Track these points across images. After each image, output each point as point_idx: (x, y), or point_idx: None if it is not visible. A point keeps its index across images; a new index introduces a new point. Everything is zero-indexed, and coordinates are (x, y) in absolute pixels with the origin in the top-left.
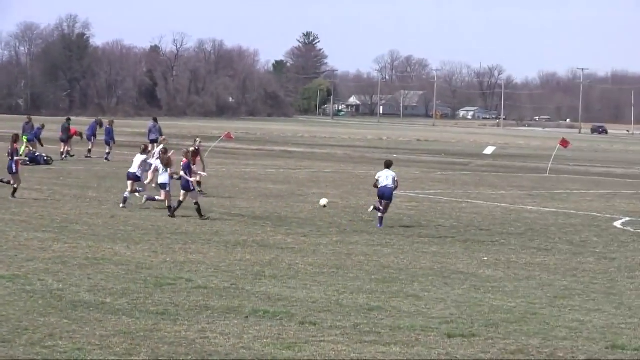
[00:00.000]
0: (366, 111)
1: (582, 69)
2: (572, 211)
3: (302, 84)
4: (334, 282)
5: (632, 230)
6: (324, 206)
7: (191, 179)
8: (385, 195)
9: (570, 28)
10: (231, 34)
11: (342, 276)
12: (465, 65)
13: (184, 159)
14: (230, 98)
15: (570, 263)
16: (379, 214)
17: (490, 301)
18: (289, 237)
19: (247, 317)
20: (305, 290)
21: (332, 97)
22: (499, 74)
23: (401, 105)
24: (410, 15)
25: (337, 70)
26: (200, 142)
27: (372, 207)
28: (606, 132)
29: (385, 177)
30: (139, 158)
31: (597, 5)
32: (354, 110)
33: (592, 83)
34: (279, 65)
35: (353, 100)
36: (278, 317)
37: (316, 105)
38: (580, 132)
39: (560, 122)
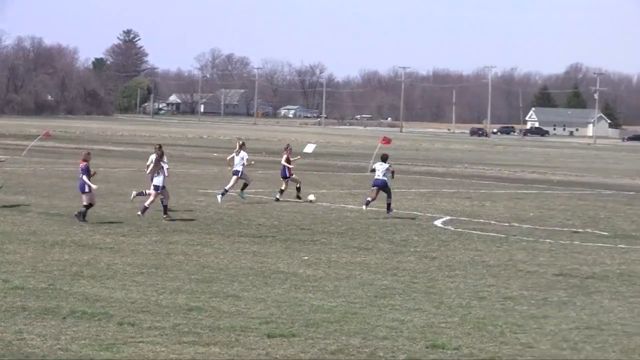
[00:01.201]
0: (187, 110)
1: (404, 68)
2: (394, 210)
3: (122, 82)
4: (153, 282)
5: (452, 229)
6: (311, 201)
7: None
8: (379, 185)
9: (393, 26)
10: (50, 31)
11: (161, 276)
12: (287, 64)
13: (83, 162)
14: (49, 96)
15: (391, 262)
16: (369, 199)
17: (311, 301)
18: (107, 237)
19: (64, 318)
20: (124, 291)
21: (152, 95)
22: (321, 72)
23: (222, 103)
24: (232, 12)
25: (157, 68)
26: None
27: (366, 205)
28: (486, 135)
29: (380, 170)
30: None
31: (416, 3)
32: (174, 108)
33: (414, 81)
34: (98, 63)
35: (174, 98)
36: (96, 318)
37: (136, 104)
38: (401, 131)
39: (382, 120)
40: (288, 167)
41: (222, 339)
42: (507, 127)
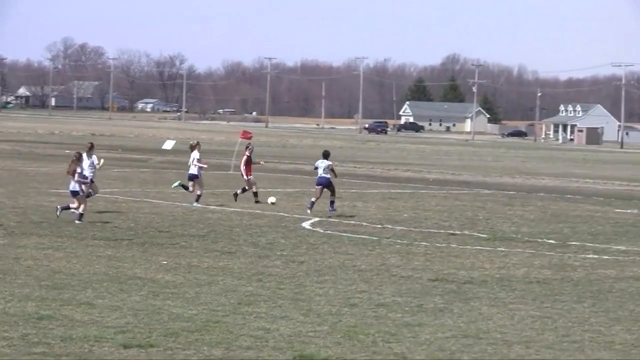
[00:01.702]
0: (37, 103)
1: (270, 58)
2: (258, 211)
3: None
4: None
5: (321, 231)
6: (273, 203)
7: None
8: (323, 183)
9: (258, 14)
10: None
11: (9, 282)
12: (145, 54)
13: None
14: None
15: (256, 267)
16: (313, 199)
17: (170, 308)
18: None
19: None
20: None
21: None
22: (181, 63)
23: (75, 96)
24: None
25: (5, 59)
26: None
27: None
28: (385, 132)
29: (322, 167)
30: None
31: None
32: (23, 101)
33: (281, 73)
34: None
35: (23, 91)
36: None
37: None
38: (267, 127)
39: (246, 115)
40: (248, 168)
41: (74, 349)
42: (380, 122)
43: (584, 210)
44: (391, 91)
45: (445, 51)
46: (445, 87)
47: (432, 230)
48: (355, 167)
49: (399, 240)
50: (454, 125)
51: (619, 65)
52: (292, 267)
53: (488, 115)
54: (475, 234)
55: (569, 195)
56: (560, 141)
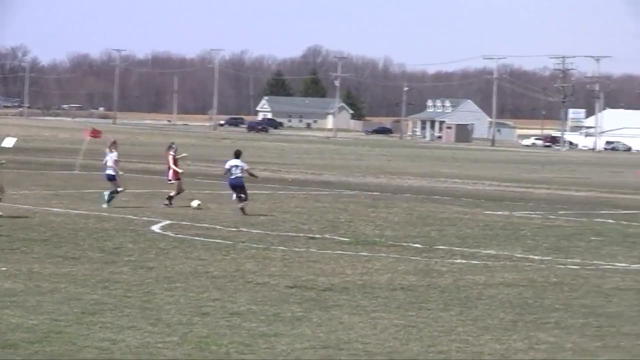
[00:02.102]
0: None
1: (119, 50)
2: (104, 214)
3: None
4: None
5: (172, 235)
6: (197, 206)
7: None
8: (237, 186)
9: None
10: None
11: None
12: None
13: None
14: None
15: (102, 273)
16: (240, 204)
17: (9, 318)
18: None
19: None
20: None
21: None
22: (23, 55)
23: None
24: None
25: None
26: None
27: (234, 197)
28: (266, 131)
29: (234, 167)
30: None
31: None
32: None
33: (130, 66)
34: None
35: None
36: None
37: None
38: (115, 123)
39: (93, 110)
40: (175, 170)
41: None
42: (235, 119)
43: (452, 212)
44: (248, 85)
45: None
46: (306, 81)
47: (290, 234)
48: (208, 166)
49: (255, 245)
50: (315, 121)
51: (491, 58)
52: (140, 273)
53: (351, 111)
54: (336, 237)
55: (436, 196)
56: (427, 138)
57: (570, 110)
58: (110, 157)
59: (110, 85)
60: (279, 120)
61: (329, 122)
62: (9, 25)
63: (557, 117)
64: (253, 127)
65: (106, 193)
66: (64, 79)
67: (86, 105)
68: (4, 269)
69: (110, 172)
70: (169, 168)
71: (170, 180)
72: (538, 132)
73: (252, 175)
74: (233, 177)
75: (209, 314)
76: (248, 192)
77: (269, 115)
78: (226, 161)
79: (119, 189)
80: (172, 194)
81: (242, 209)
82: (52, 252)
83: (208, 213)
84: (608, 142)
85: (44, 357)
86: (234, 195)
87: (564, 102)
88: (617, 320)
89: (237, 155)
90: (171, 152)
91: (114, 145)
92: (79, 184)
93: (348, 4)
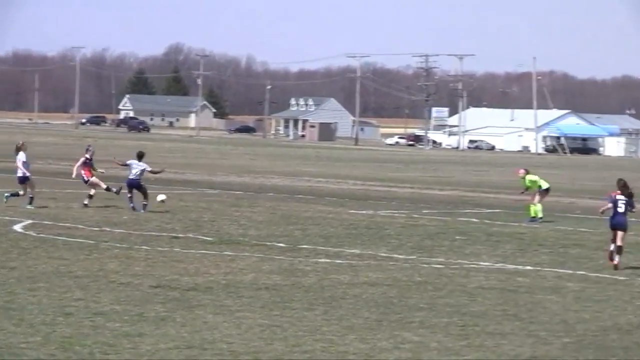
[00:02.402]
0: None
1: None
2: None
3: None
4: None
5: (34, 234)
6: (162, 201)
7: None
8: (133, 185)
9: None
10: None
11: None
12: None
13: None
14: None
15: None
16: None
17: None
18: None
19: None
20: None
21: None
22: None
23: None
24: None
25: None
26: None
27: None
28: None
29: (136, 168)
30: None
31: None
32: None
33: None
34: None
35: None
36: None
37: None
38: None
39: None
40: (86, 170)
41: None
42: (97, 117)
43: (315, 211)
44: (110, 84)
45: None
46: (169, 79)
47: (153, 233)
48: (71, 165)
49: (118, 244)
50: (177, 120)
51: (354, 57)
52: (2, 273)
53: (214, 110)
54: (200, 237)
55: (300, 195)
56: (291, 137)
57: (434, 109)
58: (18, 159)
59: None
60: (141, 118)
61: (192, 120)
62: None
63: (421, 115)
64: (134, 127)
65: (7, 195)
66: None
67: None
68: None
69: (19, 174)
70: (83, 168)
71: (86, 180)
72: (402, 130)
73: (155, 172)
74: (132, 177)
75: (72, 314)
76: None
77: (131, 114)
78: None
79: (21, 192)
80: (91, 192)
81: (144, 205)
82: None
83: (70, 212)
84: (471, 141)
85: None
86: (142, 204)
87: (427, 100)
88: (481, 320)
89: (140, 156)
90: (87, 155)
91: (23, 146)
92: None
93: (210, 2)
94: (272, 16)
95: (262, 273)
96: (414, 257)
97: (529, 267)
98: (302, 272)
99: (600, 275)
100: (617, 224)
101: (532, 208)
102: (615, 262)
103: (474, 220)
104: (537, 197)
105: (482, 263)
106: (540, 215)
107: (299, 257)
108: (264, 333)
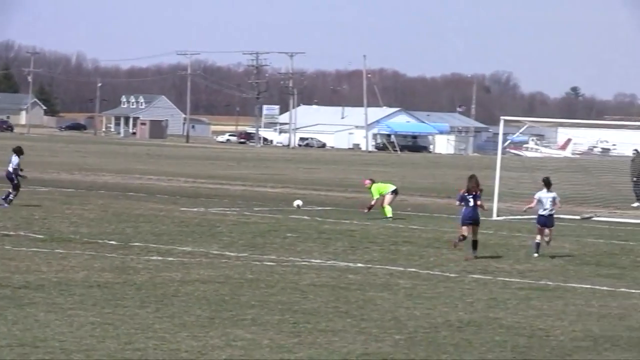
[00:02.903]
0: None
1: None
2: None
3: None
4: None
5: None
6: (298, 207)
7: None
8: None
9: None
10: None
11: None
12: None
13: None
14: None
15: None
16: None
17: None
18: None
19: None
20: None
21: None
22: None
23: None
24: None
25: None
26: None
27: None
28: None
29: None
30: None
31: None
32: None
33: None
34: None
35: None
36: None
37: None
38: None
39: None
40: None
41: None
42: None
43: (147, 208)
44: None
45: None
46: None
47: None
48: None
49: None
50: (8, 117)
51: (184, 54)
52: None
53: (45, 107)
54: (31, 234)
55: (131, 193)
56: (122, 135)
57: (265, 107)
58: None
59: None
60: None
61: (22, 118)
62: None
63: (252, 113)
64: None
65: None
66: None
67: None
68: None
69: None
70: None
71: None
72: (233, 128)
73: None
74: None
75: None
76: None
77: None
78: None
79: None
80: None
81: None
82: None
83: None
84: (302, 139)
85: None
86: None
87: (258, 98)
88: (313, 317)
89: (18, 152)
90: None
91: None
92: None
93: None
94: (103, 13)
95: (93, 271)
96: (246, 254)
97: (360, 265)
98: (134, 269)
99: (431, 272)
100: (471, 218)
101: (386, 208)
102: (471, 256)
103: (306, 217)
104: (387, 199)
105: (313, 260)
106: (389, 215)
107: (131, 255)
108: (95, 331)
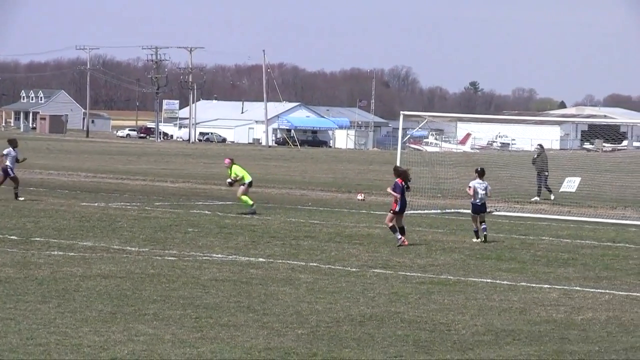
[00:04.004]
0: None
1: None
2: None
3: None
4: None
5: None
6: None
7: None
8: None
9: None
10: None
11: None
12: None
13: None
14: None
15: None
16: None
17: None
18: None
19: None
20: None
21: None
22: None
23: None
24: None
25: None
26: None
27: None
28: None
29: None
30: None
31: None
32: None
33: None
34: None
35: None
36: None
37: None
38: None
39: None
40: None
41: None
42: None
43: (48, 203)
44: None
45: None
46: None
47: None
48: None
49: None
50: None
51: (84, 49)
52: None
53: None
54: None
55: (32, 188)
56: (22, 129)
57: (165, 102)
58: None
59: None
60: None
61: None
62: None
63: (152, 108)
64: None
65: None
66: None
67: None
68: None
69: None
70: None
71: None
72: (133, 123)
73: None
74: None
75: None
76: None
77: None
78: None
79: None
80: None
81: None
82: None
83: None
84: (202, 134)
85: None
86: None
87: (157, 93)
88: (215, 311)
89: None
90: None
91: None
92: None
93: None
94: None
95: None
96: (147, 249)
97: (261, 259)
98: (35, 264)
99: (333, 267)
100: (404, 206)
101: (243, 198)
102: (404, 241)
103: (206, 212)
104: (240, 189)
105: (215, 255)
106: (250, 202)
107: (32, 250)
108: None
